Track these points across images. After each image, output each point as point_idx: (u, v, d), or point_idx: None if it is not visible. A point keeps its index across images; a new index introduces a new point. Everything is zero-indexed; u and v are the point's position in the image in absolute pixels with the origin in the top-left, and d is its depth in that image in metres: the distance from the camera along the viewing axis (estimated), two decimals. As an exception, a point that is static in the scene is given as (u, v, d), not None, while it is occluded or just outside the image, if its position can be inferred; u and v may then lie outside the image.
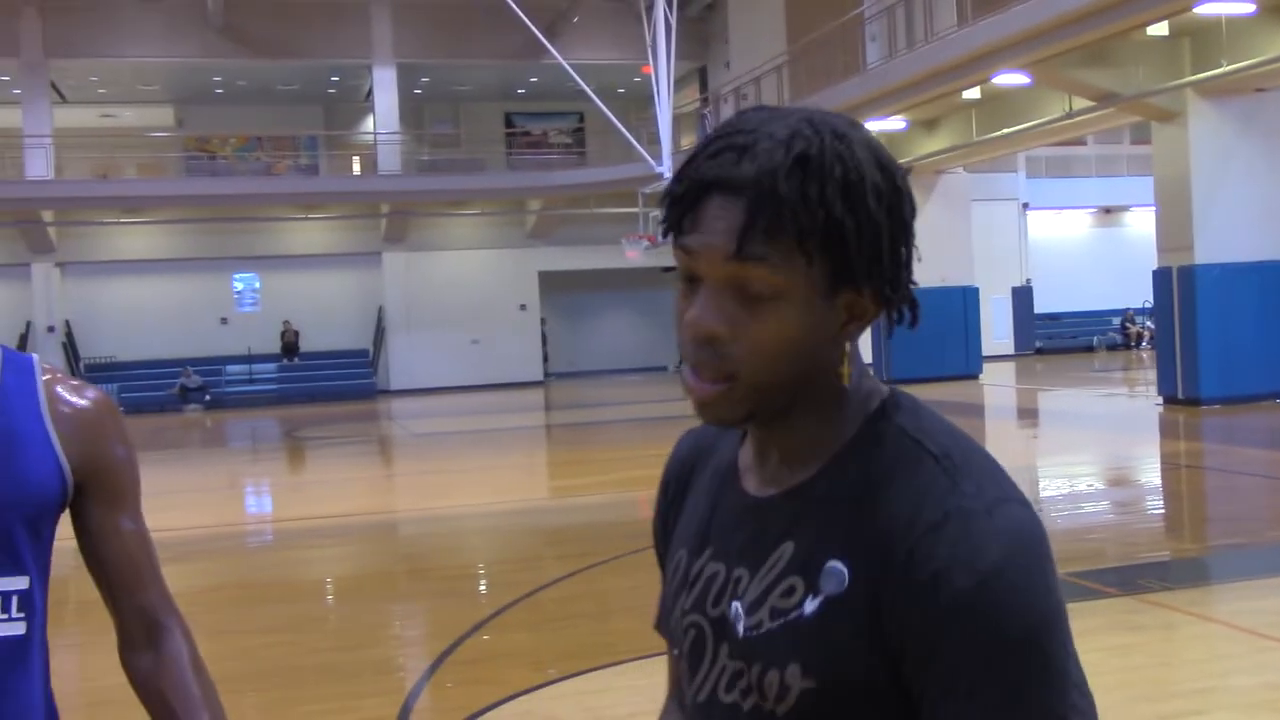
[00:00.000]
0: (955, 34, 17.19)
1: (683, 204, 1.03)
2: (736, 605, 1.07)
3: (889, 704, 1.00)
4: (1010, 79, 17.13)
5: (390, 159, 29.86)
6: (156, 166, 30.98)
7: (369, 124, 32.00)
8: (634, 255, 25.72)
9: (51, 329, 28.55)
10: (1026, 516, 0.99)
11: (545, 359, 34.46)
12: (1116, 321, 32.44)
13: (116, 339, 29.32)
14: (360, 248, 30.50)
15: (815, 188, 0.99)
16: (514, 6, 22.96)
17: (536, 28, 24.13)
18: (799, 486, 1.07)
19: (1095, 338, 32.49)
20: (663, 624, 1.23)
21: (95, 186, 28.52)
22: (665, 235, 1.06)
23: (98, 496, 1.62)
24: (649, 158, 23.96)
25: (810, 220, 0.99)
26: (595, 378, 33.20)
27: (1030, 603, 0.95)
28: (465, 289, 30.79)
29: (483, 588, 8.18)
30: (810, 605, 1.02)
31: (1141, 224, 29.39)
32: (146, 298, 29.71)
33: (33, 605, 1.54)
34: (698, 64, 32.12)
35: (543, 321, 34.53)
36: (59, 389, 1.60)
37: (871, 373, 1.11)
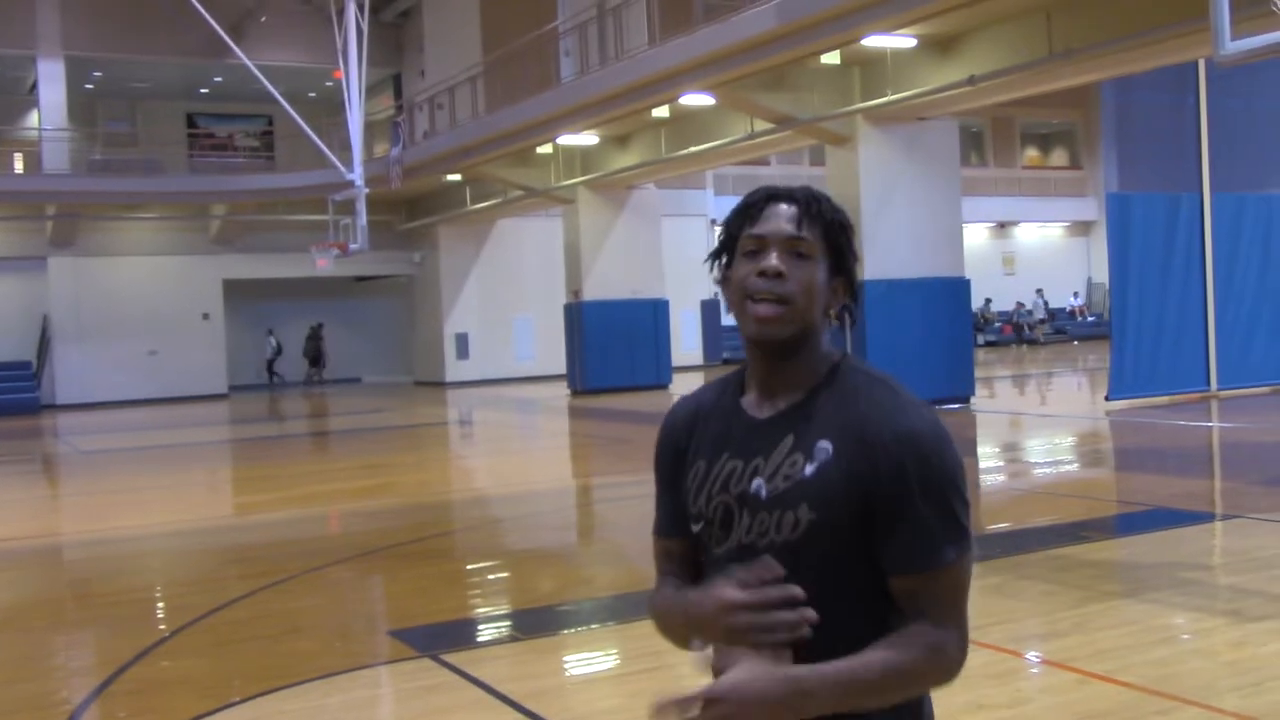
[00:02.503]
0: (645, 53, 17.68)
1: (754, 206, 1.75)
2: (759, 481, 1.70)
3: (858, 530, 1.64)
4: (696, 99, 17.77)
5: (57, 157, 27.88)
6: None
7: (33, 119, 29.79)
8: (325, 264, 25.02)
9: None
10: (935, 413, 1.68)
11: (320, 364, 33.35)
12: (796, 333, 34.15)
13: None
14: (22, 252, 28.25)
15: (830, 205, 1.76)
16: (195, 2, 21.93)
17: (220, 25, 23.11)
18: (794, 405, 1.73)
19: (777, 349, 34.06)
20: (668, 522, 1.86)
21: None
22: (739, 228, 1.76)
23: None
24: (340, 165, 23.37)
25: (830, 219, 1.74)
26: (284, 390, 32.10)
27: (949, 458, 1.65)
28: (142, 297, 29.06)
29: (156, 612, 7.73)
30: (809, 469, 1.66)
31: (818, 241, 31.03)
32: None
33: None
34: (392, 71, 31.71)
35: (320, 326, 33.35)
36: None
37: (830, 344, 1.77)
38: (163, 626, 7.08)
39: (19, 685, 5.90)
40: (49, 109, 28.13)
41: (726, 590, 1.60)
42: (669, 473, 1.87)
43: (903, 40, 15.31)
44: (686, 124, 20.39)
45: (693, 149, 20.33)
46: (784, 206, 1.74)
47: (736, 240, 1.76)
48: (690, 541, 1.84)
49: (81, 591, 8.53)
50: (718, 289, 1.83)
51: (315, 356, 33.83)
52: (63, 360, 28.49)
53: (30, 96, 29.75)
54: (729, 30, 15.27)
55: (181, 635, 6.57)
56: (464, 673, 5.53)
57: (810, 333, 1.72)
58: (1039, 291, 37.03)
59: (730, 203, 23.81)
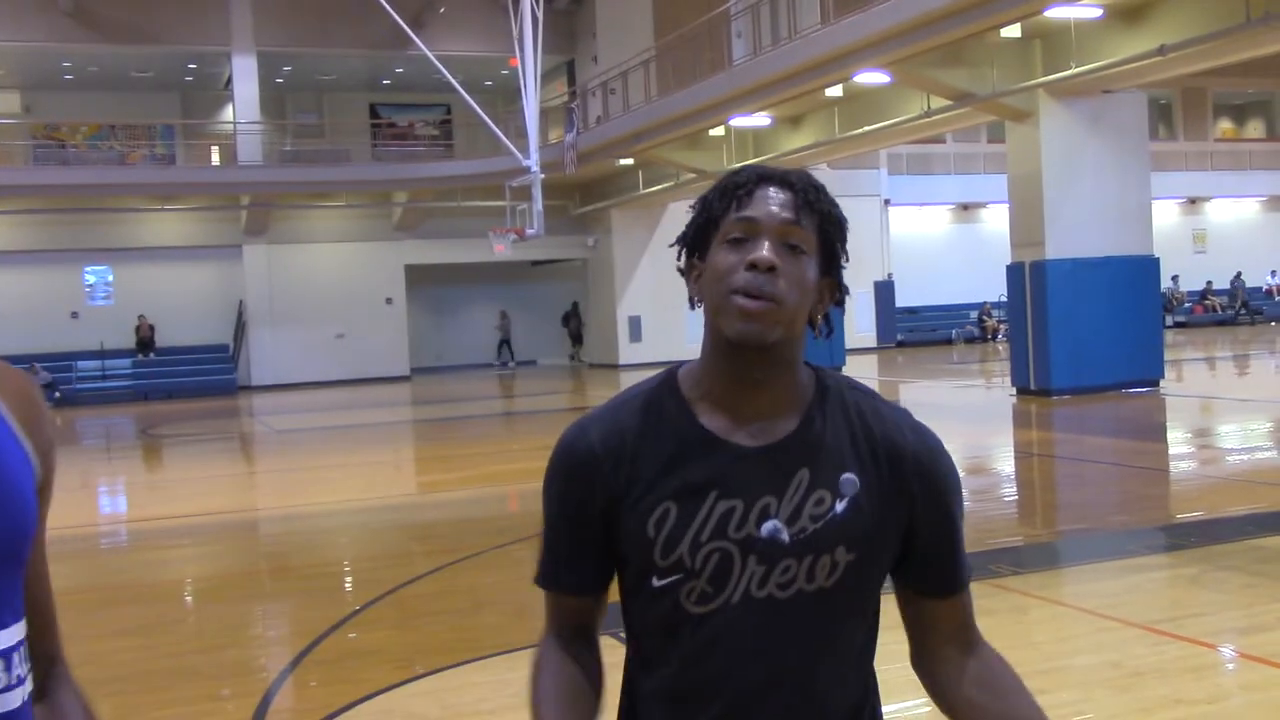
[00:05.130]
0: (818, 32, 17.47)
1: (743, 187, 1.52)
2: (772, 523, 1.49)
3: (888, 563, 1.57)
4: (871, 77, 17.47)
5: (251, 149, 29.13)
6: (2, 155, 29.69)
7: (228, 113, 31.19)
8: (502, 249, 25.55)
9: (-112, 324, 27.22)
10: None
11: (581, 341, 33.96)
12: (974, 315, 33.38)
13: (-41, 334, 28.06)
14: (219, 240, 29.69)
15: (828, 196, 1.55)
16: (378, -4, 22.61)
17: (401, 18, 23.81)
18: (795, 432, 1.53)
19: (954, 331, 33.38)
20: (580, 575, 1.63)
21: (-65, 175, 27.25)
22: (722, 211, 1.52)
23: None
24: (516, 151, 23.82)
25: (827, 211, 1.54)
26: (462, 372, 32.94)
27: (956, 468, 1.62)
28: (329, 282, 30.21)
29: (347, 586, 8.06)
30: (840, 506, 1.50)
31: (998, 220, 30.29)
32: (-9, 291, 28.50)
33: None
34: (565, 58, 32.07)
35: (576, 305, 33.77)
36: None
37: None
38: (353, 600, 7.37)
39: (225, 651, 6.23)
40: (243, 103, 29.40)
41: None
42: (583, 513, 1.59)
43: (1088, 10, 14.76)
44: (860, 103, 20.08)
45: (867, 128, 20.01)
46: (778, 191, 1.52)
47: (718, 223, 1.53)
48: (597, 599, 1.66)
49: (277, 565, 8.94)
50: (690, 284, 1.59)
51: (577, 334, 34.60)
52: (257, 343, 29.84)
53: (225, 91, 31.15)
54: (904, 6, 14.96)
55: (371, 609, 6.83)
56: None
57: (796, 341, 1.53)
58: None
59: (903, 184, 23.49)
